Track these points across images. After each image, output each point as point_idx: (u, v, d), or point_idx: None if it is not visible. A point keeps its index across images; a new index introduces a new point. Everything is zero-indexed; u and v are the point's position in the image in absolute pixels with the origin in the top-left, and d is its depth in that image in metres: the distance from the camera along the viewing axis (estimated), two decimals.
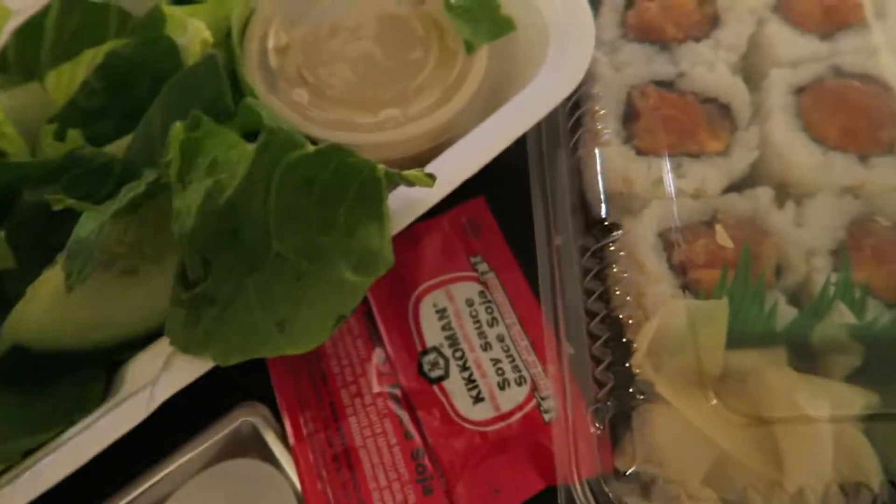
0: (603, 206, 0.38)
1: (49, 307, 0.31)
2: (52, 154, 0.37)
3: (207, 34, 0.38)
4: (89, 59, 0.39)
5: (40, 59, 0.41)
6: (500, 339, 0.41)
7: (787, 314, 0.35)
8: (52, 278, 0.31)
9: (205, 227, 0.30)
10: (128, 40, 0.38)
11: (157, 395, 0.31)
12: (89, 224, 0.30)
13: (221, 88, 0.35)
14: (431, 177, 0.33)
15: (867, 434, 0.32)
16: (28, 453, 0.32)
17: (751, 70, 0.40)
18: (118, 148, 0.36)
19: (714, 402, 0.33)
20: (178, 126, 0.29)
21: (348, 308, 0.32)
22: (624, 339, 0.36)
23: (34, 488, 0.30)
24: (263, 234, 0.32)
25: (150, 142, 0.35)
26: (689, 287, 0.35)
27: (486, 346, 0.40)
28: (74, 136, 0.38)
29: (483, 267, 0.43)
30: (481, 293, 0.42)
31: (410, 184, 0.33)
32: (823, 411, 0.32)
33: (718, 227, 0.35)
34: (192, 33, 0.38)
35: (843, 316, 0.33)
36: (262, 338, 0.31)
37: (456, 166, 0.36)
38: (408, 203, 0.35)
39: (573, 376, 0.36)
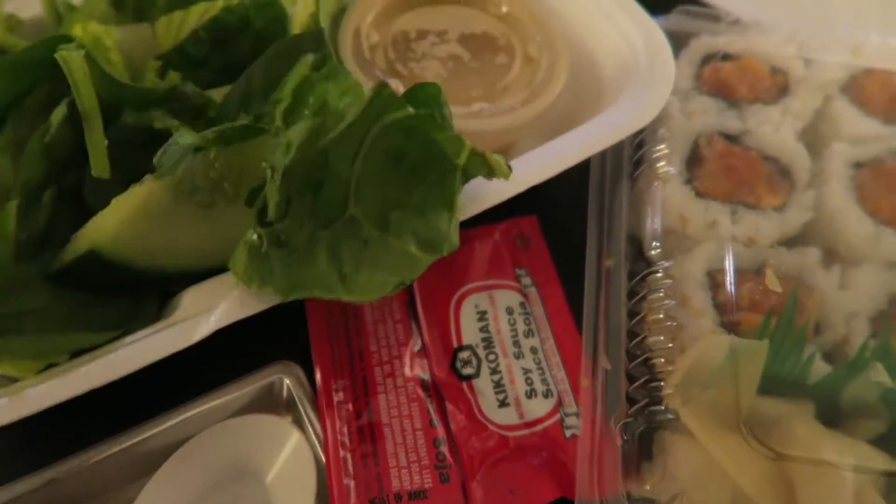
0: (657, 237, 0.39)
1: (128, 220, 0.32)
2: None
3: (314, 8, 0.41)
4: (200, 11, 0.41)
5: (156, 3, 0.43)
6: (534, 351, 0.41)
7: (820, 370, 0.36)
8: (137, 193, 0.33)
9: (297, 168, 0.31)
10: (242, 0, 0.40)
11: (212, 321, 0.32)
12: (189, 137, 0.31)
13: (325, 58, 0.37)
14: (509, 167, 0.35)
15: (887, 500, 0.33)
16: (75, 356, 0.32)
17: (813, 139, 0.43)
18: (216, 94, 0.38)
19: (743, 440, 0.33)
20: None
21: (409, 277, 0.33)
22: (660, 369, 0.37)
23: (72, 388, 0.30)
24: (343, 194, 0.34)
25: (247, 94, 0.37)
26: (730, 327, 0.36)
27: (519, 355, 0.41)
28: (174, 77, 0.40)
29: (527, 280, 0.44)
30: (522, 304, 0.43)
31: (491, 170, 0.34)
32: (847, 461, 0.32)
33: (769, 272, 0.37)
34: (302, 5, 0.41)
35: (878, 375, 0.34)
36: (323, 283, 0.32)
37: (526, 172, 0.37)
38: (477, 196, 0.36)
39: (606, 391, 0.36)
